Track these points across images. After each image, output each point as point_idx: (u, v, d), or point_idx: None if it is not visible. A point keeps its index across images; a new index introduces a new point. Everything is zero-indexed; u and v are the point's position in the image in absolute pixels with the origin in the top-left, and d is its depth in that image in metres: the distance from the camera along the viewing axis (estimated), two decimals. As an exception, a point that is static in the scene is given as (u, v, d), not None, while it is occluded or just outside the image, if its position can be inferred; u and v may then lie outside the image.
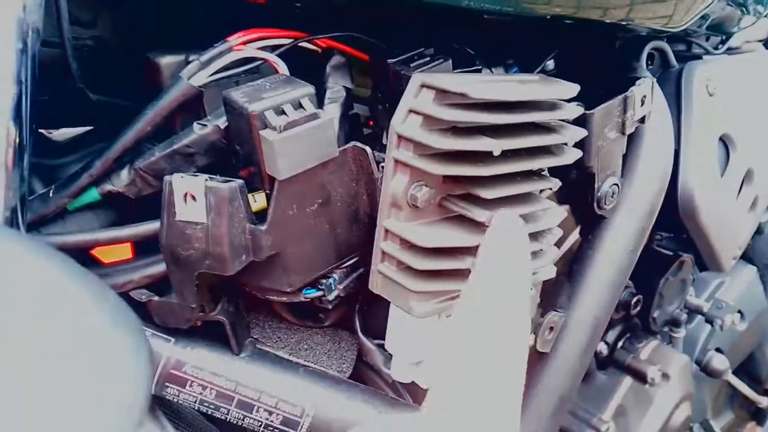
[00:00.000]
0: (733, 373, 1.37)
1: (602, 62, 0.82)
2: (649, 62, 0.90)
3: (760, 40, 1.23)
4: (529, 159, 0.56)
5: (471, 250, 0.55)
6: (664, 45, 0.89)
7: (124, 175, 0.55)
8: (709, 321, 1.23)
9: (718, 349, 1.31)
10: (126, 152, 0.55)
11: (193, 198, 0.49)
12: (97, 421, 0.26)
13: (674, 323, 1.20)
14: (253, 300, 0.63)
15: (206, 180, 0.49)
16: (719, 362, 1.25)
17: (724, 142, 0.93)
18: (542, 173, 0.61)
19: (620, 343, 1.16)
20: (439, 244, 0.53)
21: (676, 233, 1.11)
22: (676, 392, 1.13)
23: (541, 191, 0.64)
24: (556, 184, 0.59)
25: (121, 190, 0.56)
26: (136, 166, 0.55)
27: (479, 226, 0.55)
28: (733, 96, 0.95)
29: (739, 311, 1.36)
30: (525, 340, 0.38)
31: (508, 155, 0.55)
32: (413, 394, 0.74)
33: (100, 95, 0.61)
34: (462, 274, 0.55)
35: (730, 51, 1.12)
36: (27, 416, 0.24)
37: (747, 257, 1.48)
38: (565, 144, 0.58)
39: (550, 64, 0.79)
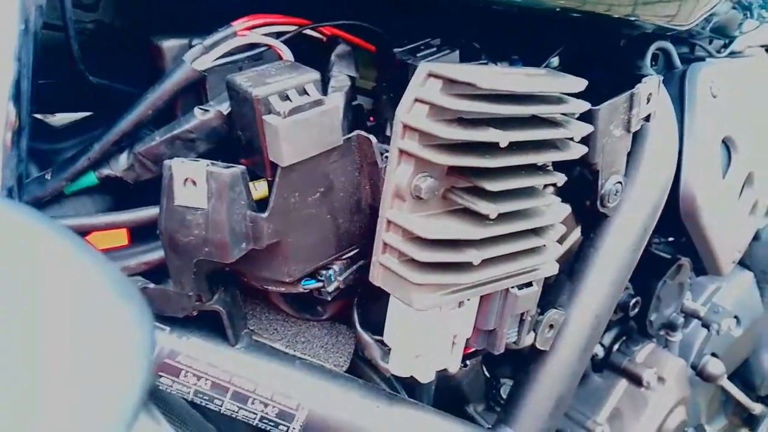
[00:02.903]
0: (728, 379, 1.36)
1: (607, 61, 0.81)
2: (653, 63, 0.89)
3: (762, 45, 1.23)
4: (534, 152, 0.56)
5: (474, 243, 0.54)
6: (668, 45, 0.89)
7: (123, 159, 0.54)
8: (706, 325, 1.22)
9: (713, 354, 1.30)
10: (125, 136, 0.54)
11: (194, 183, 0.49)
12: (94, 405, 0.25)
13: (671, 327, 1.19)
14: (250, 291, 0.62)
15: (207, 165, 0.48)
16: (715, 367, 1.24)
17: (726, 144, 0.93)
18: (547, 168, 0.60)
19: (616, 346, 1.16)
20: (442, 236, 0.52)
21: (675, 236, 1.10)
22: (672, 396, 1.12)
23: (545, 187, 0.63)
24: (561, 179, 0.58)
25: (120, 175, 0.55)
26: (136, 150, 0.54)
27: (483, 219, 0.54)
28: (736, 99, 0.94)
29: (735, 317, 1.35)
30: None
31: (513, 148, 0.54)
32: (410, 390, 0.73)
33: (101, 79, 0.60)
34: (464, 267, 0.54)
35: (732, 55, 1.12)
36: (19, 390, 0.23)
37: (744, 263, 1.47)
38: (571, 139, 0.57)
39: (555, 61, 0.79)
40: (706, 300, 1.33)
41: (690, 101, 0.87)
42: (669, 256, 1.11)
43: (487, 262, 0.55)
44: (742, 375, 1.51)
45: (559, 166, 0.61)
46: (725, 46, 1.09)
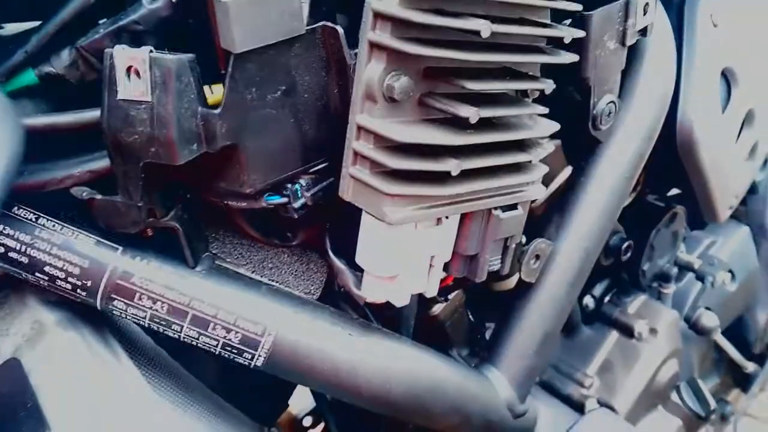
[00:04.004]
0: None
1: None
2: (651, -11, 0.84)
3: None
4: (520, 53, 0.51)
5: (453, 151, 0.49)
6: (667, -30, 0.83)
7: (65, 55, 0.49)
8: (700, 278, 1.18)
9: (707, 309, 1.27)
10: (66, 27, 0.48)
11: (137, 74, 0.43)
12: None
13: (664, 278, 1.15)
14: (213, 214, 0.57)
15: (150, 51, 0.43)
16: (709, 319, 1.20)
17: (726, 77, 0.88)
18: (534, 75, 0.55)
19: (607, 297, 1.12)
20: (418, 140, 0.47)
21: (670, 184, 1.06)
22: (664, 348, 1.08)
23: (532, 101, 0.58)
24: (549, 86, 0.53)
25: (62, 73, 0.49)
26: (78, 44, 0.49)
27: (463, 127, 0.49)
28: (738, 30, 0.89)
29: (730, 271, 1.31)
30: None
31: (497, 47, 0.49)
32: (385, 320, 0.69)
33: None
34: (441, 177, 0.49)
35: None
36: None
37: (740, 219, 1.44)
38: (562, 40, 0.52)
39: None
40: (701, 254, 1.29)
41: (689, 29, 0.82)
42: (663, 204, 1.07)
43: (467, 174, 0.50)
44: (735, 332, 1.48)
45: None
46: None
